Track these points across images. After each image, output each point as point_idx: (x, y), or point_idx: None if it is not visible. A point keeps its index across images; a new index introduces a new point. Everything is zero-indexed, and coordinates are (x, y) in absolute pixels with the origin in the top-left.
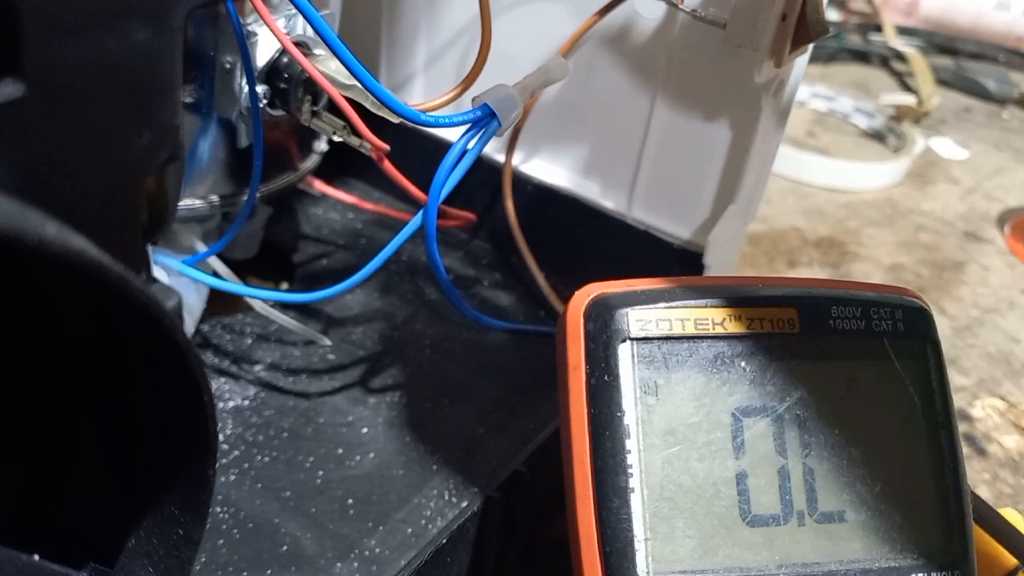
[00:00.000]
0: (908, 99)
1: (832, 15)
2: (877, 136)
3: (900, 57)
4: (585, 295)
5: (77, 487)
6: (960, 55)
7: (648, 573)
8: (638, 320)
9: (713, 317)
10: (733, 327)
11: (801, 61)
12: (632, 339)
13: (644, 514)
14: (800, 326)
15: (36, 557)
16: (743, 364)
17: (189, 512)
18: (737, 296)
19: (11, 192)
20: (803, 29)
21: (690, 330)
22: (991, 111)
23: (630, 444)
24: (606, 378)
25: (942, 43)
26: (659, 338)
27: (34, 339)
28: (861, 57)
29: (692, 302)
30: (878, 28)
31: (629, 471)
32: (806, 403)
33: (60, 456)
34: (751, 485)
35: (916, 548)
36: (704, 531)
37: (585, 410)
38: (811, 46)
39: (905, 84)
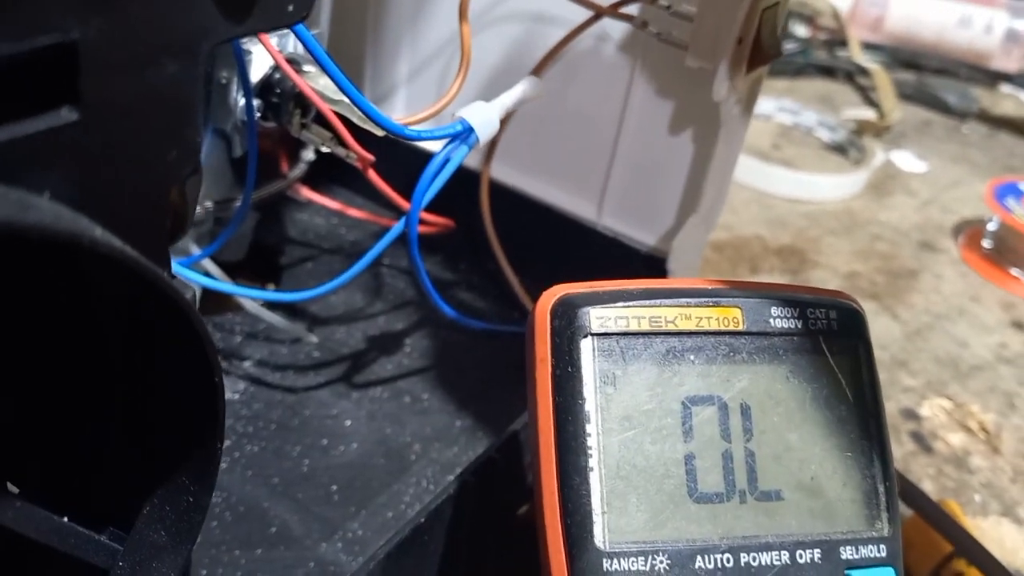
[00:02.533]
0: (869, 114)
1: (800, 31)
2: (839, 149)
3: (864, 72)
4: (552, 295)
5: (101, 460)
6: (923, 70)
7: (605, 543)
8: (598, 318)
9: (666, 315)
10: (684, 324)
11: (758, 80)
12: (593, 335)
13: (602, 491)
14: (744, 324)
15: (66, 519)
16: (692, 358)
17: (199, 482)
18: (687, 297)
19: (65, 201)
20: (759, 51)
21: (645, 327)
22: (951, 125)
23: (590, 428)
24: (569, 370)
25: (906, 58)
26: (617, 334)
27: (70, 328)
28: (827, 72)
29: (647, 302)
30: (844, 44)
31: (589, 452)
32: (748, 393)
33: (87, 433)
34: (698, 466)
35: (847, 524)
36: (655, 506)
37: (550, 399)
38: (767, 66)
39: (869, 98)
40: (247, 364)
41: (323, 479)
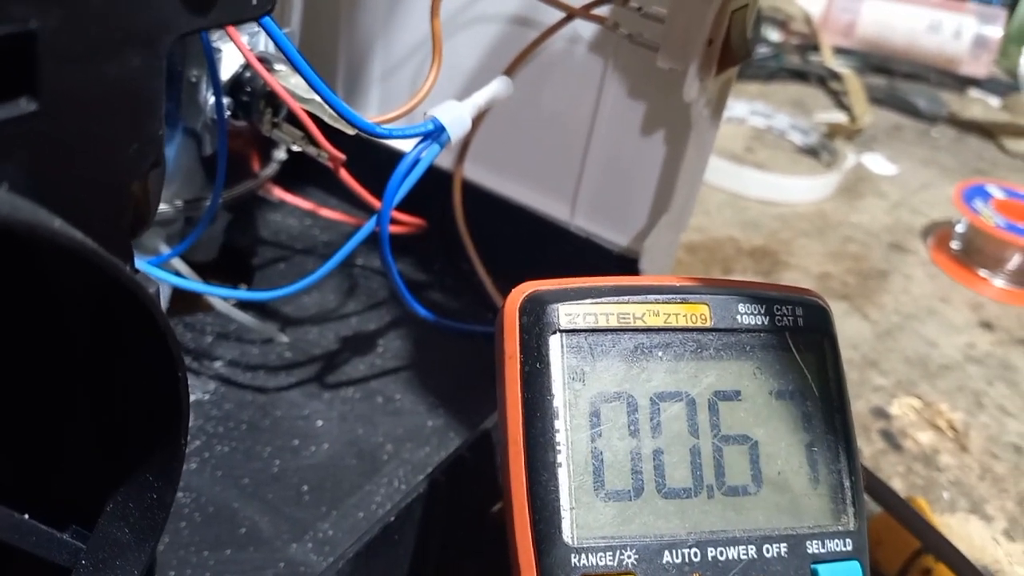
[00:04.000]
0: (841, 117)
1: (772, 36)
2: (811, 152)
3: (836, 77)
4: (521, 292)
5: (64, 456)
6: (894, 75)
7: (573, 539)
8: (567, 314)
9: (634, 312)
10: (652, 321)
11: (728, 81)
12: (561, 331)
13: (570, 486)
14: (712, 321)
15: (27, 516)
16: (660, 354)
17: (162, 478)
18: (655, 293)
19: (23, 192)
20: (728, 52)
21: (613, 323)
22: (921, 129)
23: (558, 424)
24: (538, 366)
25: (877, 63)
26: (586, 330)
27: (32, 322)
28: (800, 76)
29: (615, 299)
30: (816, 49)
31: (557, 448)
32: (716, 389)
33: (50, 429)
34: (666, 461)
35: (813, 519)
36: (623, 502)
37: (519, 394)
38: (736, 67)
39: (841, 102)
40: (218, 364)
41: (293, 480)
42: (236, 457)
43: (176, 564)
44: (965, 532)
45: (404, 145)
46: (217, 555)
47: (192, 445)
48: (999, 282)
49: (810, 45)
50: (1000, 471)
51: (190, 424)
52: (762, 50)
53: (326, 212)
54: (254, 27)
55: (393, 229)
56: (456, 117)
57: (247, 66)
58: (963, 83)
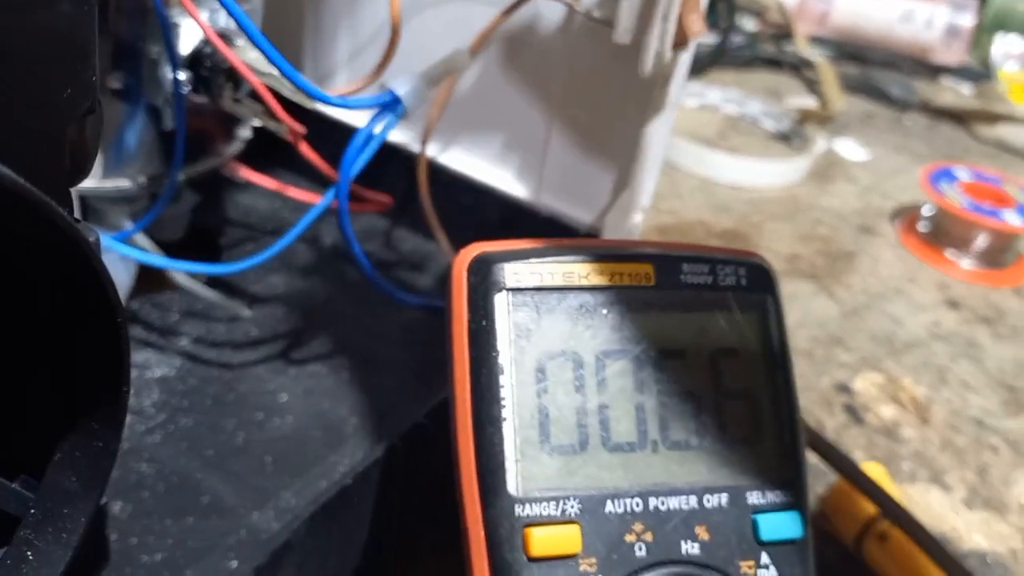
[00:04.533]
0: (811, 103)
1: (748, 24)
2: (783, 138)
3: (810, 65)
4: (469, 253)
5: (12, 407)
6: (868, 63)
7: (518, 490)
8: (513, 273)
9: (579, 271)
10: (596, 279)
11: (684, 59)
12: (508, 289)
13: (515, 439)
14: (655, 280)
15: None
16: (605, 311)
17: (107, 426)
18: (600, 253)
19: None
20: (682, 30)
21: (559, 282)
22: (893, 116)
23: (503, 380)
24: (484, 323)
25: (851, 52)
26: (531, 289)
27: None
28: (775, 64)
29: (560, 257)
30: (791, 37)
31: (502, 403)
32: (660, 347)
33: (6, 386)
34: (611, 416)
35: (754, 470)
36: (568, 455)
37: (466, 351)
38: (692, 44)
39: (814, 90)
40: (183, 341)
41: (257, 451)
42: (200, 430)
43: (139, 531)
44: (924, 502)
45: (362, 118)
46: (180, 523)
47: (156, 419)
48: (966, 263)
49: (785, 34)
50: (961, 444)
51: (155, 398)
52: (737, 39)
53: (293, 192)
54: (215, 4)
55: (358, 207)
56: (411, 88)
57: (207, 41)
58: (935, 71)
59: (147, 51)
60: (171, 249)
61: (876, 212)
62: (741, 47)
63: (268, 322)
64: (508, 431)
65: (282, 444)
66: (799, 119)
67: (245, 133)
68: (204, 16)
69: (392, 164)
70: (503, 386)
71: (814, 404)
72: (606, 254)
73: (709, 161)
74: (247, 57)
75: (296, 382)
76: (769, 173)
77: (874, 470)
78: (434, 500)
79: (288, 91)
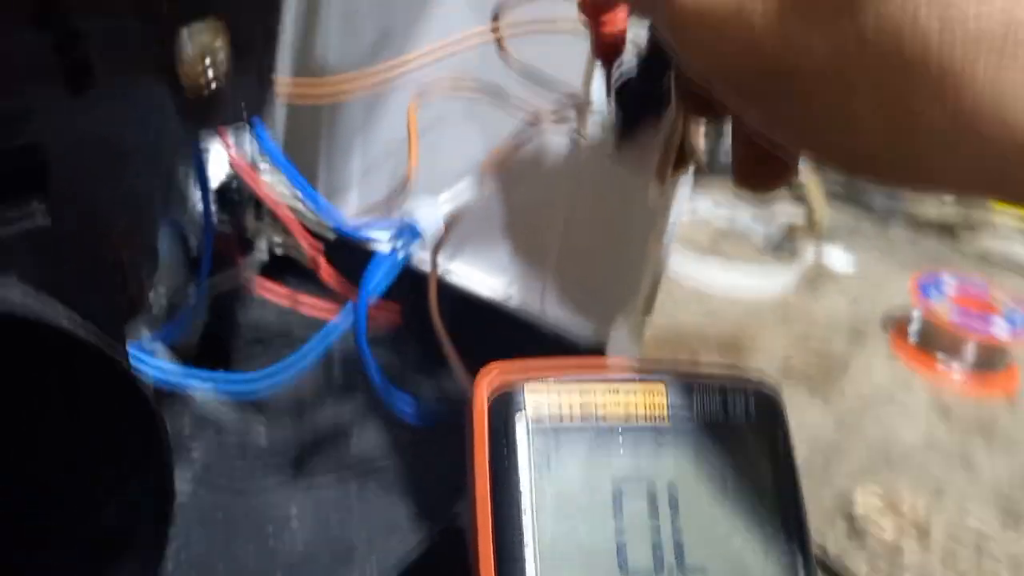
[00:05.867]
0: (800, 217)
1: None
2: (774, 248)
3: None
4: (490, 381)
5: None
6: None
7: None
8: (534, 405)
9: (596, 401)
10: (613, 410)
11: (685, 181)
12: (528, 419)
13: (536, 568)
14: (668, 411)
15: None
16: (621, 441)
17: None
18: (615, 379)
19: (35, 286)
20: (682, 157)
21: (576, 412)
22: (879, 224)
23: (526, 520)
24: (505, 451)
25: None
26: (551, 418)
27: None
28: None
29: (579, 386)
30: None
31: (524, 531)
32: (675, 476)
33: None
34: (628, 544)
35: None
36: None
37: (488, 478)
38: (691, 169)
39: (802, 199)
40: (195, 454)
41: (268, 569)
42: (213, 547)
43: None
44: None
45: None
46: None
47: (171, 545)
48: (957, 370)
49: None
50: (962, 567)
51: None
52: (726, 145)
53: (306, 309)
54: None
55: (370, 323)
56: (429, 216)
57: (235, 173)
58: None
59: (176, 172)
60: (185, 359)
61: (866, 319)
62: (730, 154)
63: (278, 433)
64: (530, 560)
65: (292, 563)
66: (788, 234)
67: (262, 254)
68: (230, 137)
69: (402, 278)
70: (524, 513)
71: (815, 517)
72: (621, 380)
73: (703, 270)
74: (272, 182)
75: (305, 495)
76: (763, 283)
77: None
78: None
79: (312, 222)
